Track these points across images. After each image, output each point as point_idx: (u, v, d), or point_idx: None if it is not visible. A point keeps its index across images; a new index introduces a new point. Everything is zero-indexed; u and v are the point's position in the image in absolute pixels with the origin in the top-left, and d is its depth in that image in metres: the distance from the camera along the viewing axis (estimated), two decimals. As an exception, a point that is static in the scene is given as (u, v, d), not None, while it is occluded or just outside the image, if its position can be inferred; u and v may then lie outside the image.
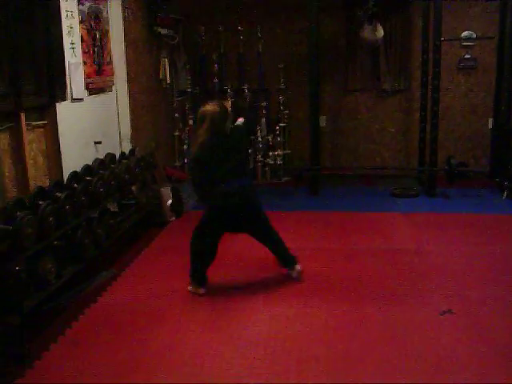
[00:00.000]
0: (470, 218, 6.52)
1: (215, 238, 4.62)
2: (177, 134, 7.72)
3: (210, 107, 4.47)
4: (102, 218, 5.09)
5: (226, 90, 8.15)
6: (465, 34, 8.17)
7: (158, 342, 3.84)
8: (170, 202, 6.41)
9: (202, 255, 4.63)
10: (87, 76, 5.48)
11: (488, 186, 7.78)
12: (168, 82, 7.37)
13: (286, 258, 4.80)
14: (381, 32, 7.74)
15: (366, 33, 7.70)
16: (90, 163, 5.37)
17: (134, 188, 6.12)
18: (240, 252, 5.44)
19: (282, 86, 8.29)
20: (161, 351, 3.72)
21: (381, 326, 3.99)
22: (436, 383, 3.32)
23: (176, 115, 7.70)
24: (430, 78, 7.56)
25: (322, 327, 3.99)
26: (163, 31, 7.10)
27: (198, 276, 4.63)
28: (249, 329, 3.99)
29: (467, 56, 8.27)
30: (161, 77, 7.26)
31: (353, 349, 3.70)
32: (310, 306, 4.31)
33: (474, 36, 8.15)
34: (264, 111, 8.27)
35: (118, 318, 4.21)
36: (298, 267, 4.76)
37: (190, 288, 4.63)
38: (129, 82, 6.36)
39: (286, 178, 8.35)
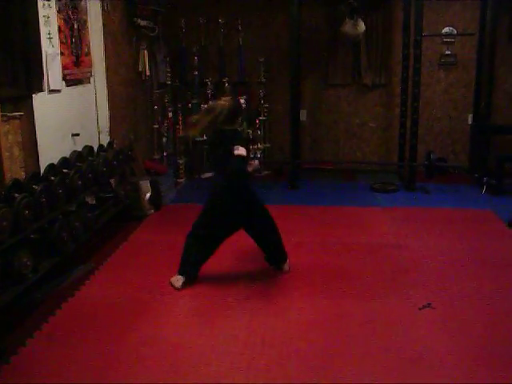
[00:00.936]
0: (450, 212, 6.54)
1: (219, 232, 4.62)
2: (156, 126, 7.63)
3: (221, 102, 4.47)
4: (79, 211, 5.01)
5: (206, 82, 8.09)
6: (445, 30, 8.19)
7: (136, 336, 3.79)
8: (148, 195, 6.34)
9: (202, 246, 4.59)
10: (65, 67, 5.39)
11: (467, 181, 7.83)
12: (147, 74, 7.28)
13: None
14: (362, 27, 7.72)
15: (347, 27, 7.68)
16: (68, 156, 5.30)
17: (112, 181, 6.05)
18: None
19: (263, 80, 8.24)
20: (139, 346, 3.67)
21: (361, 320, 3.98)
22: (415, 377, 3.31)
23: (155, 108, 7.62)
24: (410, 73, 7.56)
25: (303, 322, 3.97)
26: (143, 23, 7.00)
27: (190, 267, 4.57)
28: (229, 324, 3.95)
29: (448, 52, 8.29)
30: (140, 69, 7.17)
31: (333, 344, 3.69)
32: (290, 301, 4.29)
33: (455, 32, 8.17)
34: (244, 105, 8.21)
35: (96, 313, 4.15)
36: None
37: (172, 279, 4.57)
38: (107, 73, 6.26)
39: (265, 172, 8.33)
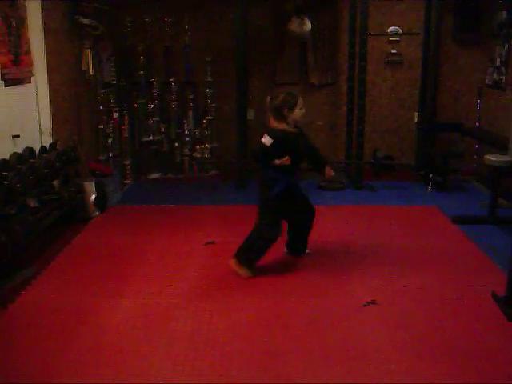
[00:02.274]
0: (396, 209, 6.61)
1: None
2: (101, 127, 7.49)
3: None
4: (19, 214, 4.88)
5: (153, 82, 8.01)
6: (391, 29, 8.28)
7: (79, 342, 3.70)
8: (93, 196, 6.23)
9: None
10: (3, 66, 5.24)
11: (414, 178, 7.94)
12: (91, 73, 7.13)
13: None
14: (308, 25, 7.75)
15: (294, 26, 7.70)
16: (7, 158, 5.16)
17: (55, 183, 5.92)
18: (161, 248, 5.37)
19: (210, 79, 8.18)
20: (82, 352, 3.59)
21: (305, 319, 3.98)
22: (359, 373, 3.32)
23: (100, 108, 7.47)
24: (357, 72, 7.60)
25: (246, 322, 3.94)
26: (85, 21, 6.85)
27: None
28: (172, 325, 3.90)
29: (393, 51, 8.37)
30: (83, 68, 7.03)
31: (277, 343, 3.67)
32: (234, 300, 4.26)
33: (400, 32, 8.26)
34: (191, 104, 8.16)
35: (38, 319, 4.04)
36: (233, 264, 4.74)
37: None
38: (49, 73, 6.11)
39: (213, 172, 8.30)
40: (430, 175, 7.49)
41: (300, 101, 4.62)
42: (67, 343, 3.69)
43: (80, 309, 4.16)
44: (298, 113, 4.60)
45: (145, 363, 3.44)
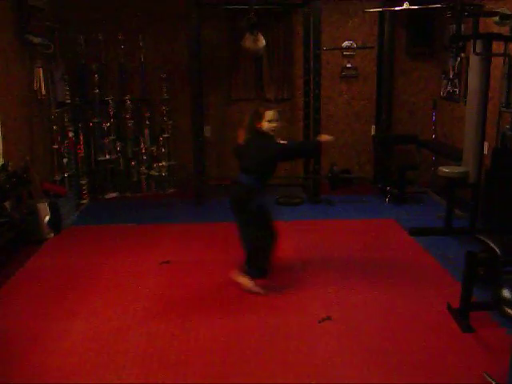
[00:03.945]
0: (354, 223, 6.63)
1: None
2: (56, 146, 7.36)
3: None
4: (-33, 237, 4.76)
5: (108, 100, 7.91)
6: (346, 43, 8.35)
7: (31, 364, 3.63)
8: (47, 218, 6.10)
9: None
10: (-51, 87, 5.14)
11: (372, 191, 7.97)
12: (43, 92, 7.02)
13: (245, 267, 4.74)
14: (262, 41, 7.74)
15: (248, 42, 7.68)
16: (-45, 180, 5.04)
17: (7, 204, 5.79)
18: (116, 269, 5.30)
19: (166, 97, 8.13)
20: (35, 373, 3.51)
21: (260, 336, 3.95)
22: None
23: (54, 127, 7.34)
24: (312, 86, 7.62)
25: (201, 341, 3.89)
26: (36, 40, 6.74)
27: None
28: (124, 347, 3.82)
29: (348, 65, 8.44)
30: (35, 88, 6.92)
31: (232, 361, 3.63)
32: (189, 320, 4.20)
33: (355, 46, 8.34)
34: (147, 122, 8.10)
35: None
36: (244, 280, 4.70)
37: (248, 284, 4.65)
38: (-1, 93, 6.01)
39: (171, 190, 8.23)
40: (387, 188, 7.54)
41: (268, 114, 4.70)
42: (20, 364, 3.61)
43: (31, 332, 4.07)
44: (265, 125, 4.71)
45: (97, 387, 3.37)
